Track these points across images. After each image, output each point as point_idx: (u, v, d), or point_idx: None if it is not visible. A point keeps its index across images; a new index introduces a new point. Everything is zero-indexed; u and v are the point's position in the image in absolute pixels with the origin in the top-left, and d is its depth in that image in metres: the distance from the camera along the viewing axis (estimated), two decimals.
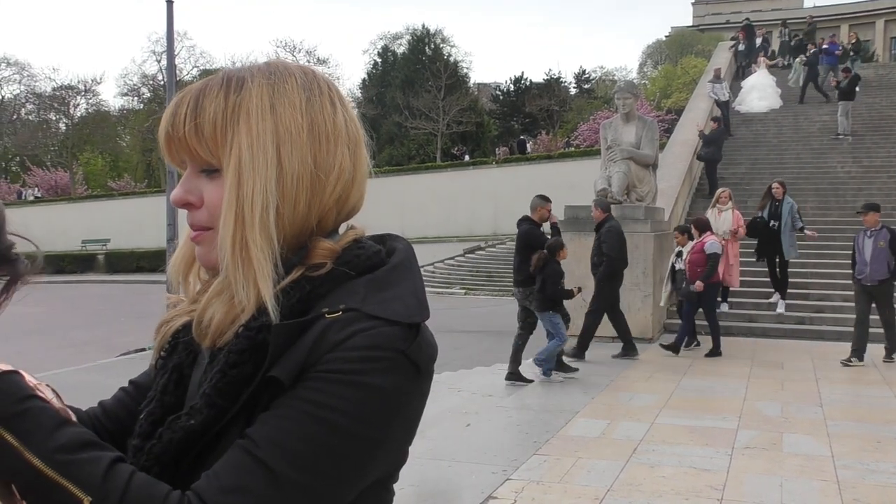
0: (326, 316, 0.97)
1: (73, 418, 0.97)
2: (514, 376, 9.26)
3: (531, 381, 9.22)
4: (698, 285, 10.55)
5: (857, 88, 22.14)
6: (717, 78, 22.74)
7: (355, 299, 0.98)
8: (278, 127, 1.02)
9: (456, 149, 45.86)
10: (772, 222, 13.14)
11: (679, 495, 5.36)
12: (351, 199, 1.09)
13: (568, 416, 7.55)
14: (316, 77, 1.08)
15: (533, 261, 8.95)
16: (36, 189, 50.90)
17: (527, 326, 9.40)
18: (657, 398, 8.23)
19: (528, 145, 42.48)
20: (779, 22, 34.99)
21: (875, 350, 10.64)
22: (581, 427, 7.16)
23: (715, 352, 10.87)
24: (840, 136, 21.37)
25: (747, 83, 25.23)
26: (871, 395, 8.51)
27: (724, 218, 12.89)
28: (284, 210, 1.01)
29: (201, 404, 0.98)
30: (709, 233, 11.05)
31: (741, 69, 27.15)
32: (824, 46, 27.05)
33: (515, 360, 9.32)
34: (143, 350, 14.61)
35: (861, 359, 10.16)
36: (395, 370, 0.96)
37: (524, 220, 9.77)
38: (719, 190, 13.84)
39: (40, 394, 0.95)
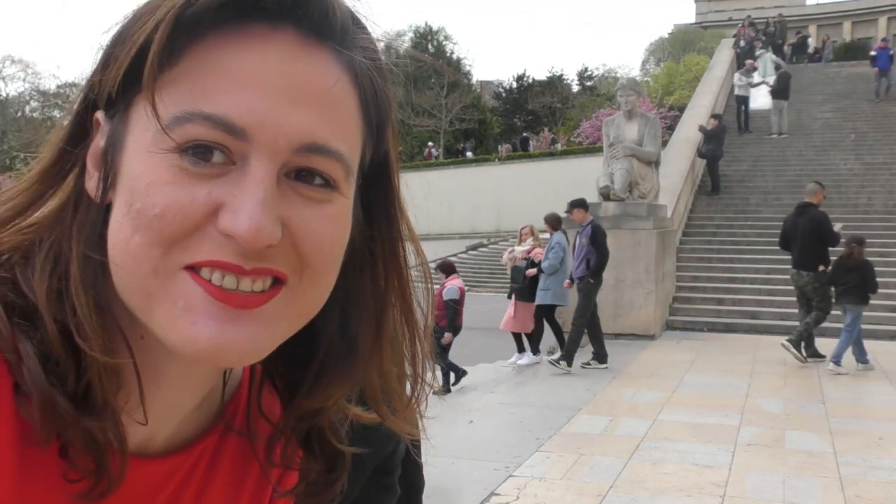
0: None
1: None
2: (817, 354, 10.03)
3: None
4: (447, 338, 10.02)
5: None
6: (747, 72, 22.85)
7: None
8: None
9: (460, 145, 45.83)
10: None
11: (682, 492, 5.36)
12: None
13: (570, 412, 7.55)
14: None
15: (847, 256, 9.33)
16: None
17: (822, 307, 9.86)
18: (660, 395, 8.23)
19: (530, 143, 42.49)
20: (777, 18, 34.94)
21: (877, 346, 10.64)
22: (584, 424, 7.17)
23: (445, 388, 9.83)
24: (774, 136, 21.58)
25: (757, 79, 25.24)
26: (873, 392, 8.50)
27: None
28: None
29: None
30: (454, 276, 10.57)
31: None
32: (872, 53, 26.32)
33: (811, 341, 10.00)
34: None
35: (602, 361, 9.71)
36: None
37: (808, 206, 10.10)
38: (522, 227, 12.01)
39: None
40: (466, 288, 11.40)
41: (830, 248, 10.05)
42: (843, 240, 10.06)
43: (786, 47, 33.24)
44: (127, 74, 0.56)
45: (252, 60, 0.56)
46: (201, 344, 0.56)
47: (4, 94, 62.75)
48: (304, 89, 0.57)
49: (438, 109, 47.26)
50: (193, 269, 0.56)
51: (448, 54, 52.92)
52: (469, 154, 41.55)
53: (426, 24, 55.60)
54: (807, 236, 9.83)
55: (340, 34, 0.60)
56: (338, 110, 0.59)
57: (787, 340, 9.99)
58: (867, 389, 8.64)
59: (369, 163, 0.65)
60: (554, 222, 10.68)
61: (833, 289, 9.82)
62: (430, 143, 43.84)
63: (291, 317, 0.60)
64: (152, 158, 0.55)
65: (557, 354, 9.95)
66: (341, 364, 0.67)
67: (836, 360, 9.30)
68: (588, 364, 9.76)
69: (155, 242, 0.55)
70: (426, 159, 41.14)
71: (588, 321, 9.82)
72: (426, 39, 54.79)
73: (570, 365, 9.56)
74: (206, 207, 0.55)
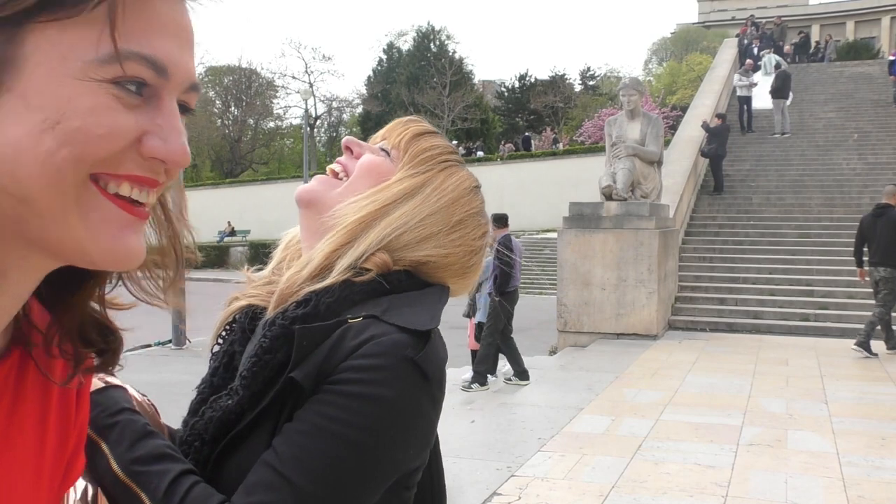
0: (349, 321, 1.04)
1: (165, 432, 1.11)
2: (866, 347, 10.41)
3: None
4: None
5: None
6: (746, 71, 22.88)
7: (378, 310, 1.06)
8: (456, 201, 1.21)
9: (469, 144, 45.80)
10: None
11: (684, 492, 5.36)
12: (434, 273, 1.19)
13: (572, 412, 7.55)
14: (487, 216, 1.31)
15: None
16: None
17: (888, 301, 10.30)
18: (662, 395, 8.23)
19: (532, 142, 42.46)
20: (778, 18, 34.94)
21: (880, 345, 10.62)
22: (585, 424, 7.16)
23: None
24: (777, 136, 21.58)
25: (763, 79, 25.24)
26: (876, 392, 8.49)
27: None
28: (399, 232, 1.16)
29: (238, 385, 1.07)
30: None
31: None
32: (890, 58, 25.82)
33: (892, 333, 10.56)
34: (149, 346, 14.64)
35: (527, 378, 9.37)
36: (403, 379, 1.01)
37: (887, 207, 10.50)
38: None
39: (135, 407, 1.07)
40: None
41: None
42: None
43: (788, 47, 33.25)
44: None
45: (170, 7, 0.65)
46: (120, 253, 0.65)
47: None
48: (190, 35, 0.67)
49: (440, 109, 47.27)
50: (99, 184, 0.64)
51: (450, 54, 52.92)
52: (480, 154, 41.54)
53: (428, 23, 55.66)
54: (887, 235, 10.33)
55: None
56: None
57: (856, 345, 10.50)
58: (870, 389, 8.63)
59: None
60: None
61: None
62: (453, 142, 44.10)
63: None
64: (85, 85, 0.61)
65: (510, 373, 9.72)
66: None
67: None
68: (510, 380, 9.59)
69: (85, 159, 0.61)
70: None
71: (501, 339, 9.48)
72: (428, 39, 54.82)
73: (483, 384, 9.20)
74: (135, 134, 0.64)
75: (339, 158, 1.27)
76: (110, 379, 1.07)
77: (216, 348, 1.22)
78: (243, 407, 1.05)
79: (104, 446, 1.01)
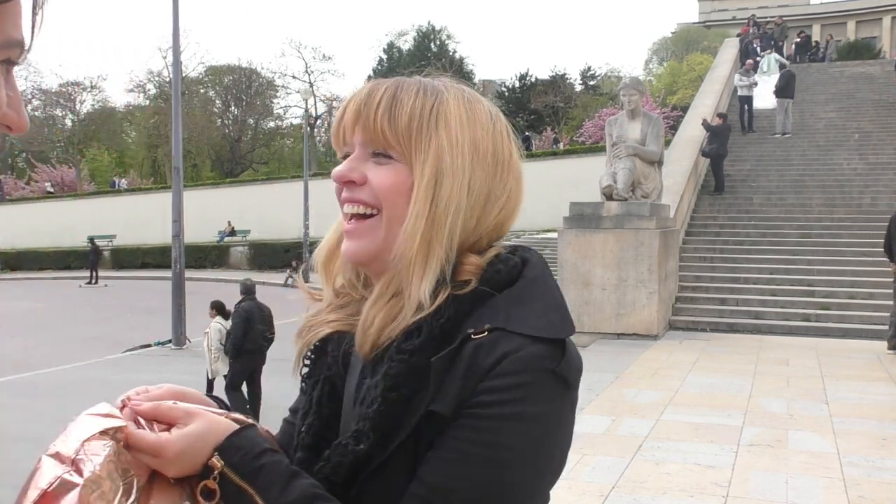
0: (473, 337, 0.99)
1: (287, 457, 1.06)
2: None
3: None
4: None
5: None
6: (746, 71, 22.90)
7: (499, 318, 1.00)
8: (474, 140, 1.07)
9: None
10: None
11: (684, 492, 5.35)
12: (506, 226, 1.13)
13: None
14: (498, 111, 1.15)
15: None
16: (48, 184, 50.88)
17: None
18: (662, 395, 8.23)
19: (532, 142, 42.45)
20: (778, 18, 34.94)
21: (881, 346, 10.62)
22: (586, 423, 7.16)
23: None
24: (778, 136, 21.66)
25: (761, 78, 25.24)
26: (876, 393, 8.49)
27: None
28: (462, 220, 1.05)
29: (367, 428, 1.01)
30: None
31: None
32: None
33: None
34: (149, 346, 14.65)
35: None
36: (548, 392, 0.99)
37: None
38: None
39: (274, 446, 1.03)
40: None
41: None
42: None
43: (789, 47, 33.29)
44: None
45: None
46: None
47: None
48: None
49: None
50: None
51: (451, 53, 52.95)
52: None
53: (429, 23, 55.80)
54: None
55: None
56: None
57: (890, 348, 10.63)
58: (870, 390, 8.63)
59: None
60: None
61: None
62: None
63: None
64: None
65: None
66: None
67: None
68: None
69: None
70: None
71: None
72: (428, 39, 54.87)
73: None
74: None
75: (348, 196, 1.09)
76: (237, 416, 1.04)
77: (304, 370, 1.18)
78: (374, 451, 1.01)
79: (257, 497, 0.96)
